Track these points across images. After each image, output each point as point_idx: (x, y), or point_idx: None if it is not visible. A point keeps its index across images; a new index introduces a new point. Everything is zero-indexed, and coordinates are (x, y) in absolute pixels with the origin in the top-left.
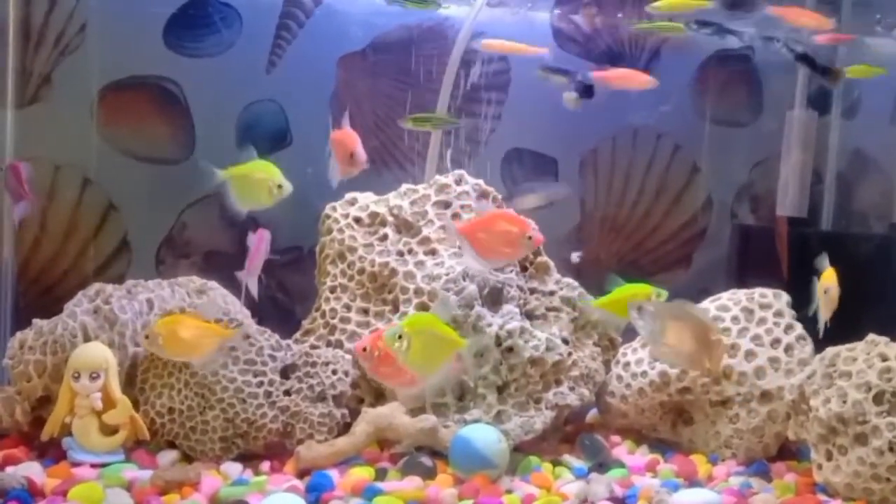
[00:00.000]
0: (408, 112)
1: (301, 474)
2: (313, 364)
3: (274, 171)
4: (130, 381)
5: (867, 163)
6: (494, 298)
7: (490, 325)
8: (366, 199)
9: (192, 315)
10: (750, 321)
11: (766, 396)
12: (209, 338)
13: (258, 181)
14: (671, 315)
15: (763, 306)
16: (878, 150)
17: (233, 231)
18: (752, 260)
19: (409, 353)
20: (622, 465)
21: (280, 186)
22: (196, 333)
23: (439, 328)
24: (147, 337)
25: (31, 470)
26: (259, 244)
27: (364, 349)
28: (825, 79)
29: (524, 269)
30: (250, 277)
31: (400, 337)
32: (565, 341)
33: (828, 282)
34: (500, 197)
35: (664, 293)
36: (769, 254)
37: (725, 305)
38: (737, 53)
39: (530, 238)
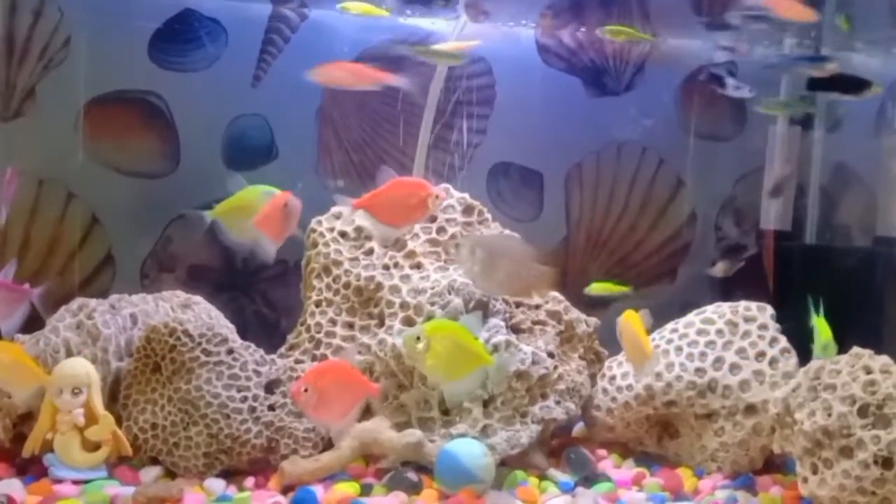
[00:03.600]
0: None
1: (285, 490)
2: (298, 379)
3: (269, 192)
4: (113, 396)
5: (850, 176)
6: (480, 312)
7: (476, 338)
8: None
9: (17, 346)
10: (734, 334)
11: (750, 409)
12: (26, 376)
13: (258, 207)
14: (489, 248)
15: (747, 319)
16: (862, 163)
17: (217, 245)
18: (737, 273)
19: (428, 356)
20: (608, 479)
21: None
22: (14, 366)
23: (465, 339)
24: None
25: (11, 487)
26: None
27: (305, 390)
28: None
29: None
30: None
31: (418, 339)
32: (551, 355)
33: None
34: (485, 210)
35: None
36: (754, 267)
37: (710, 318)
38: (720, 68)
39: (437, 197)
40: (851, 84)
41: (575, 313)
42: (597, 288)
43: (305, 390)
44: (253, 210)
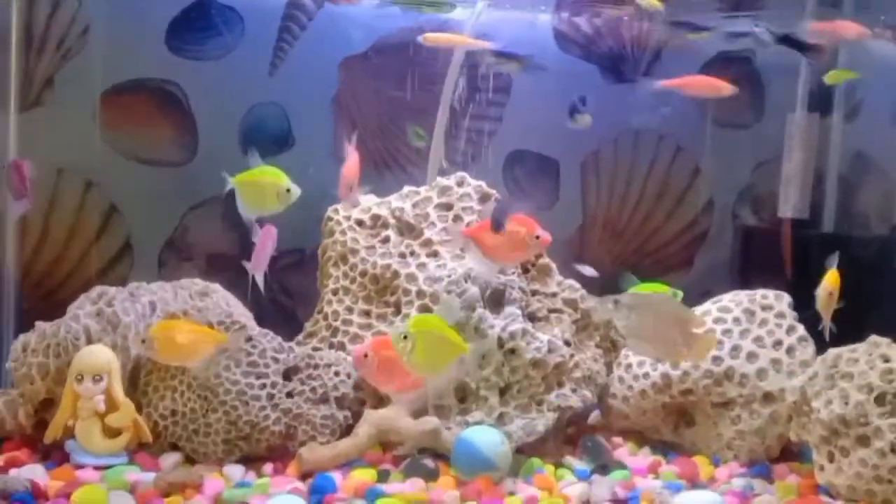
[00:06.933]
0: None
1: (303, 476)
2: (315, 366)
3: (281, 175)
4: (133, 383)
5: (869, 164)
6: (496, 300)
7: (492, 327)
8: (368, 201)
9: None
10: (752, 322)
11: (767, 398)
12: None
13: (266, 186)
14: (649, 307)
15: (764, 307)
16: (880, 151)
17: (235, 233)
18: (754, 261)
19: (413, 353)
20: (624, 467)
21: (288, 190)
22: None
23: (444, 331)
24: None
25: (34, 473)
26: (265, 240)
27: (365, 355)
28: (810, 55)
29: (526, 270)
30: (257, 272)
31: (405, 337)
32: (567, 343)
33: (830, 285)
34: (501, 198)
35: (680, 293)
36: (771, 255)
37: (727, 307)
38: (738, 56)
39: (538, 238)
40: None
41: (591, 301)
42: None
43: (366, 356)
44: (257, 188)
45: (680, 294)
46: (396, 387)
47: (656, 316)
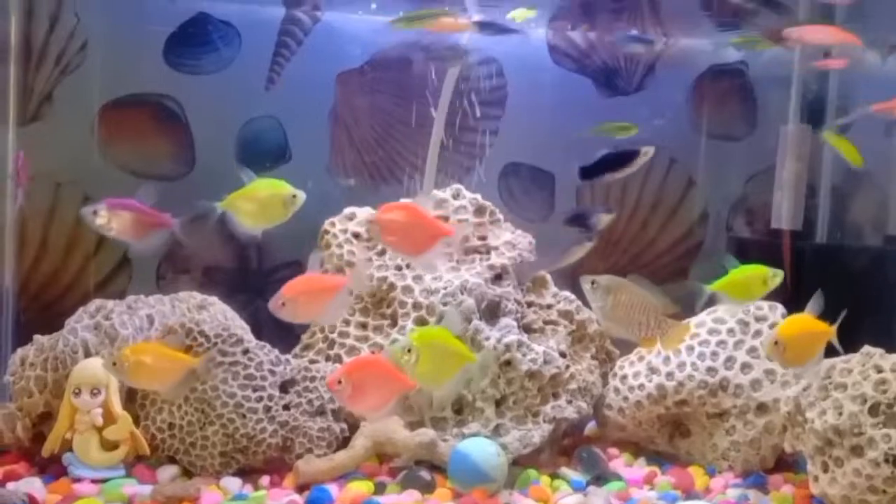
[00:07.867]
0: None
1: (300, 489)
2: (312, 378)
3: (281, 184)
4: (131, 396)
5: (861, 176)
6: (492, 312)
7: (488, 338)
8: (364, 213)
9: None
10: (746, 333)
11: (762, 408)
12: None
13: (267, 199)
14: (623, 289)
15: (759, 318)
16: (873, 162)
17: (232, 247)
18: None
19: (418, 366)
20: (620, 478)
21: (294, 196)
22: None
23: (449, 342)
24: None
25: (32, 486)
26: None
27: (339, 381)
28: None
29: (521, 282)
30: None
31: (409, 350)
32: (563, 354)
33: (778, 333)
34: (497, 211)
35: (780, 273)
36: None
37: (722, 318)
38: (731, 68)
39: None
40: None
41: (586, 313)
42: None
43: (339, 382)
44: (261, 201)
45: (780, 273)
46: (368, 408)
47: (630, 299)
